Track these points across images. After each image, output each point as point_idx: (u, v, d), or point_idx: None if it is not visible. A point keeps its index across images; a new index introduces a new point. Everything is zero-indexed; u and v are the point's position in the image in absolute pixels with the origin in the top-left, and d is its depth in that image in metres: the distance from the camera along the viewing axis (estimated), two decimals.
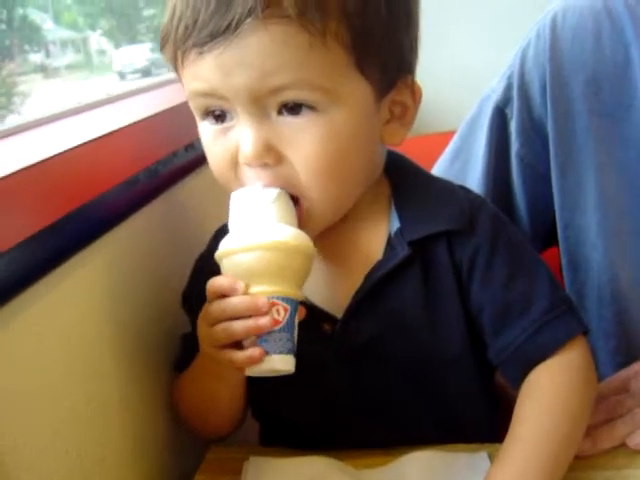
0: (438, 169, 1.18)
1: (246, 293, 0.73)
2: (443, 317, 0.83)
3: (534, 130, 1.06)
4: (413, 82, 0.82)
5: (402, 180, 0.86)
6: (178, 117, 1.08)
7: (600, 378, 0.94)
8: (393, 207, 0.85)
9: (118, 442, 0.86)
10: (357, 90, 0.77)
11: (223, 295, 0.75)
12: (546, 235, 1.10)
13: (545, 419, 0.77)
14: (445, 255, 0.83)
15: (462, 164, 1.15)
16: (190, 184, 1.09)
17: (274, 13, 0.70)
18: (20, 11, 1.85)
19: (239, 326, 0.73)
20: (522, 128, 1.08)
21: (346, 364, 0.84)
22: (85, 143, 0.84)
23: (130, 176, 0.91)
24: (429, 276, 0.83)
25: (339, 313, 0.84)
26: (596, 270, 1.03)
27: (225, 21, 0.70)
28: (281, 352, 0.73)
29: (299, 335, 0.74)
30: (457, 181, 0.95)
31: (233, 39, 0.71)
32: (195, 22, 0.72)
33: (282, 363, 0.73)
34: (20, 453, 0.69)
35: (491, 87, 1.12)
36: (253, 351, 0.72)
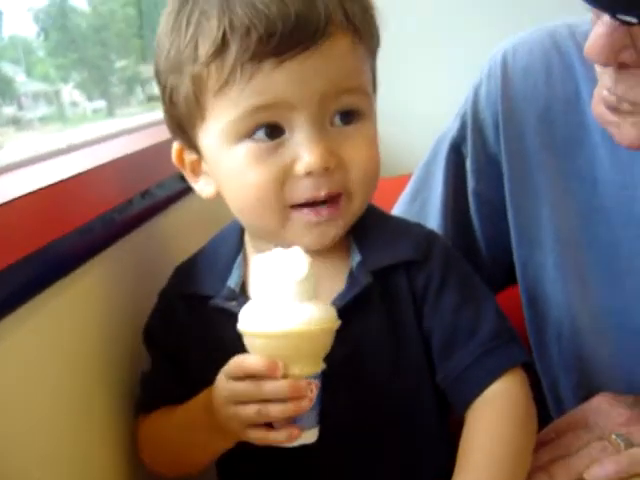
0: (397, 211, 1.18)
1: (283, 375, 0.74)
2: (404, 344, 0.86)
3: (489, 167, 1.07)
4: None
5: (361, 216, 0.88)
6: (135, 163, 1.08)
7: (562, 412, 0.95)
8: (353, 242, 0.88)
9: None
10: (374, 100, 0.87)
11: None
12: (506, 272, 1.10)
13: (487, 459, 0.78)
14: (404, 284, 0.86)
15: (421, 205, 1.16)
16: (147, 231, 1.08)
17: (347, 26, 0.80)
18: None
19: (277, 410, 0.74)
20: (478, 166, 1.09)
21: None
22: (39, 190, 0.83)
23: (85, 223, 0.90)
24: (390, 305, 0.86)
25: None
26: (555, 306, 1.04)
27: (307, 32, 0.76)
28: (311, 426, 0.76)
29: None
30: (417, 220, 0.98)
31: (313, 48, 0.77)
32: (272, 35, 0.75)
33: (311, 436, 0.76)
34: None
35: (447, 126, 1.13)
36: (291, 432, 0.74)
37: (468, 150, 1.09)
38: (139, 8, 2.33)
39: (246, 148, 0.80)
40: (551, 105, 1.01)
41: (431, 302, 0.86)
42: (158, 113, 0.96)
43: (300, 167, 0.78)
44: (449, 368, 0.85)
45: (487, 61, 1.07)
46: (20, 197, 0.80)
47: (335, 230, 0.84)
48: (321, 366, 0.76)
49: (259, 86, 0.77)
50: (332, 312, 0.76)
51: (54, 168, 1.06)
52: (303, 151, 0.78)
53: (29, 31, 1.95)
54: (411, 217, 1.05)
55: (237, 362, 0.76)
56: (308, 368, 0.74)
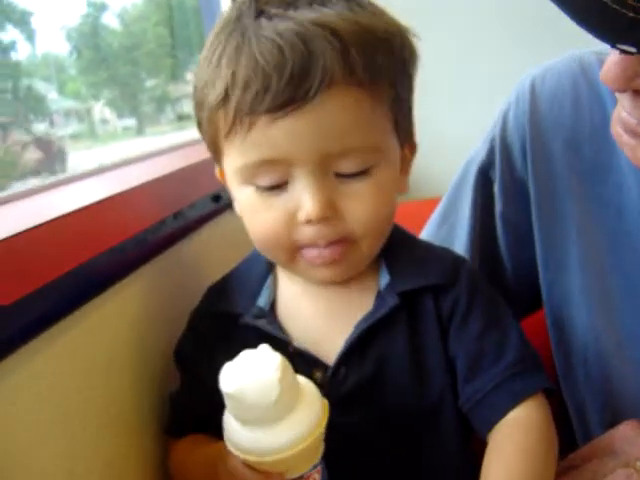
0: (426, 233, 1.19)
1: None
2: (428, 367, 0.87)
3: (517, 191, 1.08)
4: (413, 140, 0.91)
5: (391, 240, 0.90)
6: (168, 185, 1.10)
7: (588, 437, 0.94)
8: (383, 264, 0.90)
9: None
10: (393, 146, 0.85)
11: None
12: (532, 296, 1.10)
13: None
14: (431, 307, 0.88)
15: (449, 227, 1.17)
16: (179, 251, 1.10)
17: (349, 81, 0.76)
18: (25, 82, 1.90)
19: None
20: (505, 189, 1.09)
21: (333, 411, 0.84)
22: (74, 211, 0.85)
23: (117, 244, 0.92)
24: (416, 327, 0.87)
25: (331, 361, 0.86)
26: (581, 329, 1.03)
27: (302, 89, 0.75)
28: None
29: None
30: (445, 244, 1.01)
31: (309, 106, 0.75)
32: (267, 89, 0.75)
33: None
34: None
35: (475, 150, 1.14)
36: None
37: (496, 174, 1.10)
38: (170, 27, 2.36)
39: (253, 192, 0.83)
40: (579, 130, 1.01)
41: (457, 326, 0.87)
42: (187, 132, 0.97)
43: (301, 216, 0.80)
44: (471, 392, 0.86)
45: (515, 87, 1.08)
46: (56, 218, 0.82)
47: (343, 270, 0.86)
48: (321, 452, 0.76)
49: (257, 140, 0.78)
50: (316, 415, 0.75)
51: (88, 189, 1.08)
52: (303, 200, 0.79)
53: (61, 49, 1.99)
54: (439, 240, 1.07)
55: (234, 473, 0.76)
56: (308, 465, 0.75)
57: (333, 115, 0.76)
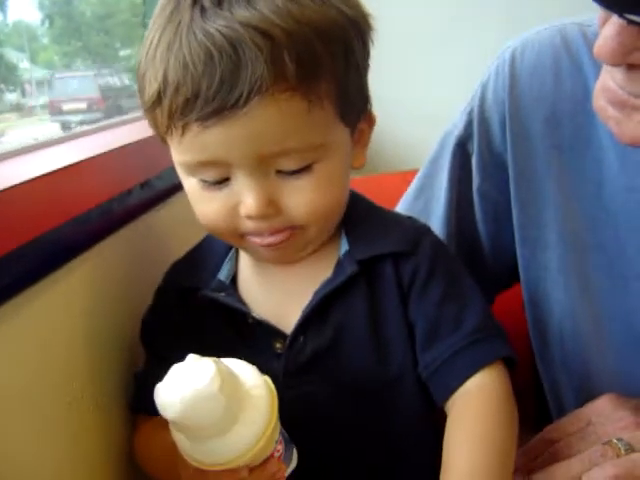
0: (401, 207, 1.17)
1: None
2: (387, 335, 0.87)
3: (495, 166, 1.06)
4: (370, 111, 0.89)
5: (352, 209, 0.89)
6: (135, 153, 1.07)
7: (564, 414, 0.94)
8: (343, 233, 0.89)
9: None
10: (341, 137, 0.83)
11: None
12: (509, 272, 1.09)
13: (470, 452, 0.79)
14: (391, 275, 0.87)
15: (425, 202, 1.15)
16: (145, 223, 1.07)
17: (281, 87, 0.74)
18: None
19: None
20: (483, 164, 1.07)
21: (292, 380, 0.86)
22: (36, 178, 0.83)
23: (81, 213, 0.90)
24: (375, 295, 0.87)
25: (290, 331, 0.87)
26: (557, 308, 1.02)
27: (232, 97, 0.73)
28: (290, 460, 0.78)
29: (252, 358, 0.75)
30: (420, 218, 0.98)
31: (240, 113, 0.73)
32: (197, 96, 0.73)
33: (293, 464, 0.78)
34: None
35: (453, 123, 1.12)
36: None
37: (474, 148, 1.08)
38: None
39: (196, 183, 0.82)
40: (559, 106, 0.99)
41: (416, 293, 0.87)
42: None
43: (242, 211, 0.80)
44: (430, 359, 0.85)
45: (495, 58, 1.06)
46: (17, 185, 0.79)
47: (289, 253, 0.86)
48: (278, 429, 0.74)
49: (191, 144, 0.77)
50: (268, 406, 0.71)
51: (53, 156, 1.05)
52: (244, 198, 0.79)
53: (34, 17, 1.95)
54: (415, 214, 1.04)
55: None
56: (269, 450, 0.73)
57: (266, 121, 0.75)
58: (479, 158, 1.08)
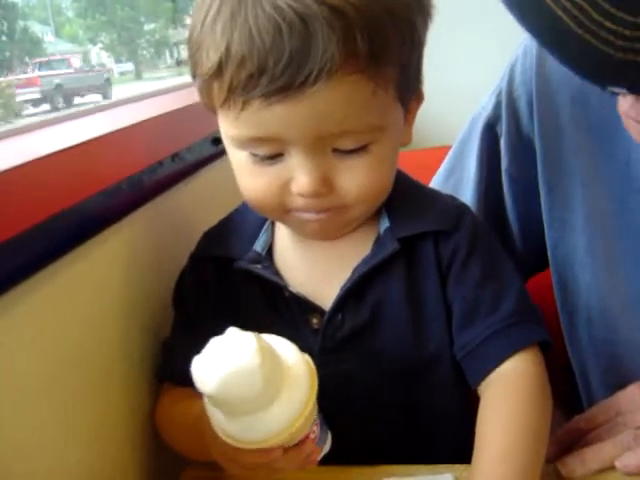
0: (432, 187, 1.16)
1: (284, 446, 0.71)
2: (425, 313, 0.86)
3: (523, 147, 1.05)
4: (420, 90, 0.87)
5: (393, 185, 0.87)
6: (165, 125, 1.07)
7: (591, 399, 0.93)
8: (383, 209, 0.88)
9: (93, 460, 0.85)
10: (397, 117, 0.81)
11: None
12: (538, 255, 1.08)
13: (503, 436, 0.78)
14: (431, 253, 0.86)
15: (455, 183, 1.15)
16: (176, 195, 1.07)
17: (351, 68, 0.71)
18: (21, 23, 1.87)
19: (288, 470, 0.74)
20: (511, 145, 1.06)
21: (328, 357, 0.85)
22: (66, 149, 0.82)
23: (111, 185, 0.89)
24: (415, 274, 0.86)
25: (327, 307, 0.86)
26: (585, 290, 1.01)
27: (300, 76, 0.70)
28: (324, 443, 0.76)
29: (289, 333, 0.73)
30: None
31: (306, 93, 0.71)
32: (262, 72, 0.70)
33: (326, 448, 0.77)
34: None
35: (482, 105, 1.11)
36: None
37: (502, 129, 1.07)
38: None
39: (247, 157, 0.80)
40: (587, 85, 0.98)
41: (456, 273, 0.86)
42: (186, 78, 0.94)
43: (294, 188, 0.78)
44: (466, 340, 0.85)
45: (524, 39, 1.04)
46: (47, 156, 0.79)
47: (333, 231, 0.86)
48: (316, 410, 0.73)
49: (250, 120, 0.75)
50: (307, 385, 0.70)
51: (82, 128, 1.05)
52: (297, 175, 0.77)
53: None
54: None
55: (240, 462, 0.73)
56: (305, 430, 0.72)
57: (331, 102, 0.72)
58: (507, 139, 1.07)
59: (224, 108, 0.76)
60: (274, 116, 0.73)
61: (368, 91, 0.74)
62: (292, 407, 0.68)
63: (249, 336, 0.66)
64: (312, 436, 0.73)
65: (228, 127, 0.79)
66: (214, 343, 0.66)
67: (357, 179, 0.78)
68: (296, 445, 0.72)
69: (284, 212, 0.82)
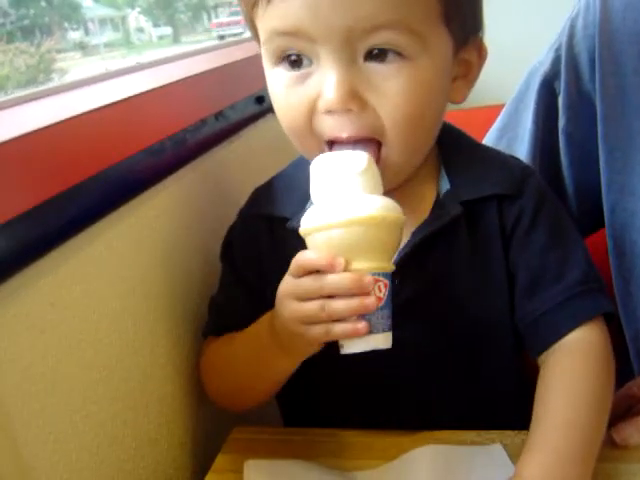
0: None
1: (346, 270, 0.68)
2: (487, 280, 0.83)
3: (582, 106, 1.01)
4: (481, 41, 0.81)
5: (451, 144, 0.85)
6: (209, 83, 1.05)
7: None
8: (442, 170, 0.84)
9: (138, 420, 0.84)
10: (442, 42, 0.75)
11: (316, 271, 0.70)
12: (594, 217, 1.04)
13: (567, 406, 0.76)
14: (494, 218, 0.83)
15: (509, 141, 1.11)
16: (219, 154, 1.05)
17: None
18: None
19: (341, 305, 0.68)
20: (570, 103, 1.03)
21: None
22: (109, 105, 0.81)
23: (155, 143, 0.88)
24: (476, 238, 0.83)
25: None
26: None
27: None
28: (383, 330, 0.70)
29: None
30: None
31: None
32: None
33: (384, 341, 0.70)
34: (33, 428, 0.67)
35: (539, 60, 1.07)
36: (358, 324, 0.68)
37: (561, 86, 1.03)
38: None
39: (277, 74, 0.77)
40: None
41: (520, 239, 0.83)
42: (224, 40, 0.92)
43: (321, 104, 0.74)
44: (529, 309, 0.82)
45: None
46: (89, 112, 0.77)
47: None
48: (390, 266, 0.70)
49: (276, 10, 0.72)
50: (398, 208, 0.70)
51: (125, 85, 1.03)
52: (325, 87, 0.73)
53: None
54: None
55: (297, 259, 0.71)
56: (373, 264, 0.69)
57: None
58: (566, 97, 1.03)
59: (255, 10, 0.75)
60: (300, 3, 0.70)
61: None
62: (383, 202, 0.69)
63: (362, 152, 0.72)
64: (377, 293, 0.69)
65: (261, 33, 0.76)
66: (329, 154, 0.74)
67: (389, 98, 0.73)
68: (357, 275, 0.68)
69: (322, 147, 0.77)
